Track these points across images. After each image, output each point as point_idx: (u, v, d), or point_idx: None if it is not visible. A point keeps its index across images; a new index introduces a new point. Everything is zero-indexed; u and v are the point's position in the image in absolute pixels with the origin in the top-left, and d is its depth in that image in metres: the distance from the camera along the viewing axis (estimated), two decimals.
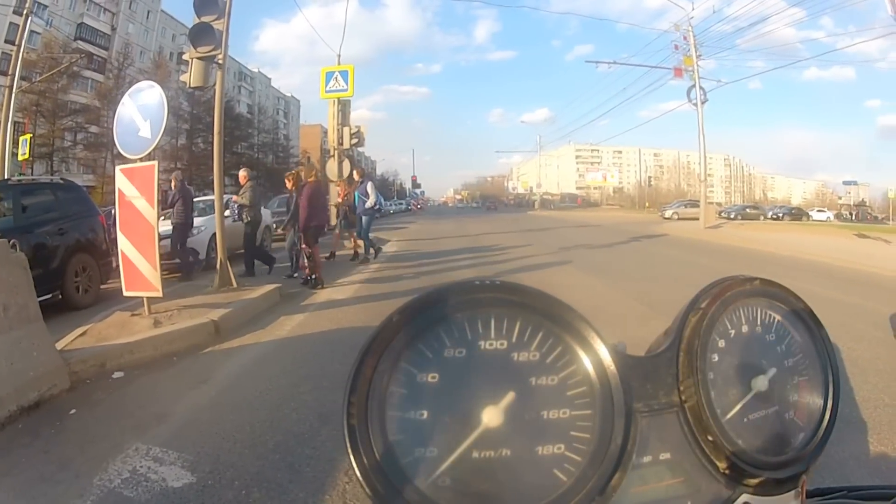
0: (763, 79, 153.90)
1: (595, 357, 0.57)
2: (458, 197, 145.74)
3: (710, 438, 0.60)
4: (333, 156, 18.63)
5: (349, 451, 0.52)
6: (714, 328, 0.64)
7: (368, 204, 12.86)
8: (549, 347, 0.57)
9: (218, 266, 8.80)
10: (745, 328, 0.66)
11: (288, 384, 4.67)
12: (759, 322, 0.68)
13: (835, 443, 2.93)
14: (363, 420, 0.52)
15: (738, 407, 0.63)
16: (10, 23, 40.18)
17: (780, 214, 51.53)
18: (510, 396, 0.55)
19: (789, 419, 0.66)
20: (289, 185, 10.66)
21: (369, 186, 13.05)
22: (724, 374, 0.64)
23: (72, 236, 8.99)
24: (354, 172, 13.02)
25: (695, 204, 42.58)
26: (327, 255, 12.53)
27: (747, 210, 50.76)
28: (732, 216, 43.44)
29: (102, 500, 2.98)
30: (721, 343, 0.64)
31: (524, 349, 0.56)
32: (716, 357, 0.63)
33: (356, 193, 13.16)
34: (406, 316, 0.55)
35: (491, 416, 0.54)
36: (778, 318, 0.69)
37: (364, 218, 13.06)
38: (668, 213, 45.45)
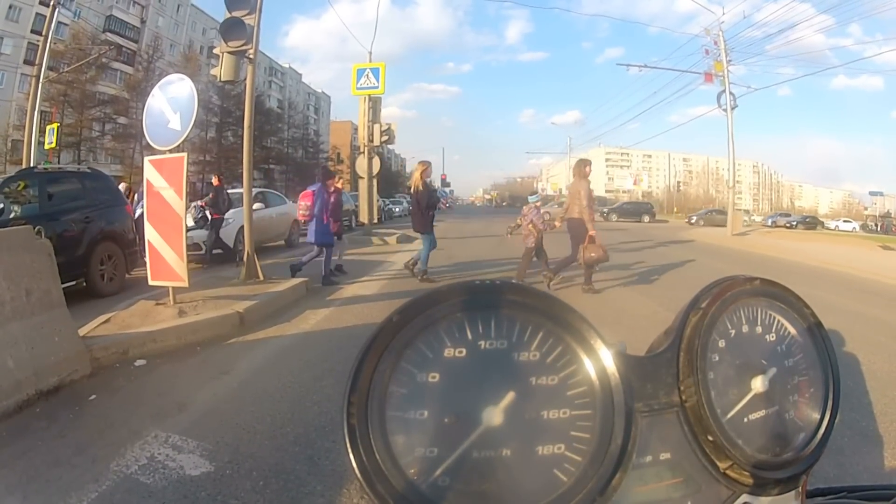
0: (792, 86, 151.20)
1: (595, 357, 0.57)
2: (488, 196, 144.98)
3: (710, 438, 0.60)
4: (363, 153, 18.72)
5: (349, 450, 0.52)
6: (714, 328, 0.64)
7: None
8: (550, 347, 0.57)
9: (245, 258, 8.88)
10: (745, 328, 0.66)
11: (311, 377, 4.68)
12: (759, 322, 0.67)
13: (850, 455, 2.90)
14: (363, 420, 0.53)
15: (738, 407, 0.63)
16: (37, 13, 40.80)
17: (794, 223, 51.84)
18: (510, 396, 0.55)
19: (789, 419, 0.66)
20: None
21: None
22: (725, 373, 0.63)
23: (97, 225, 9.08)
24: None
25: (639, 210, 46.33)
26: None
27: (712, 214, 47.19)
28: (694, 221, 44.19)
29: (118, 485, 2.99)
30: (721, 343, 0.64)
31: (524, 349, 0.56)
32: (716, 357, 0.63)
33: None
34: (406, 316, 0.55)
35: (491, 416, 0.54)
36: (778, 318, 0.68)
37: None
38: (612, 216, 45.04)
